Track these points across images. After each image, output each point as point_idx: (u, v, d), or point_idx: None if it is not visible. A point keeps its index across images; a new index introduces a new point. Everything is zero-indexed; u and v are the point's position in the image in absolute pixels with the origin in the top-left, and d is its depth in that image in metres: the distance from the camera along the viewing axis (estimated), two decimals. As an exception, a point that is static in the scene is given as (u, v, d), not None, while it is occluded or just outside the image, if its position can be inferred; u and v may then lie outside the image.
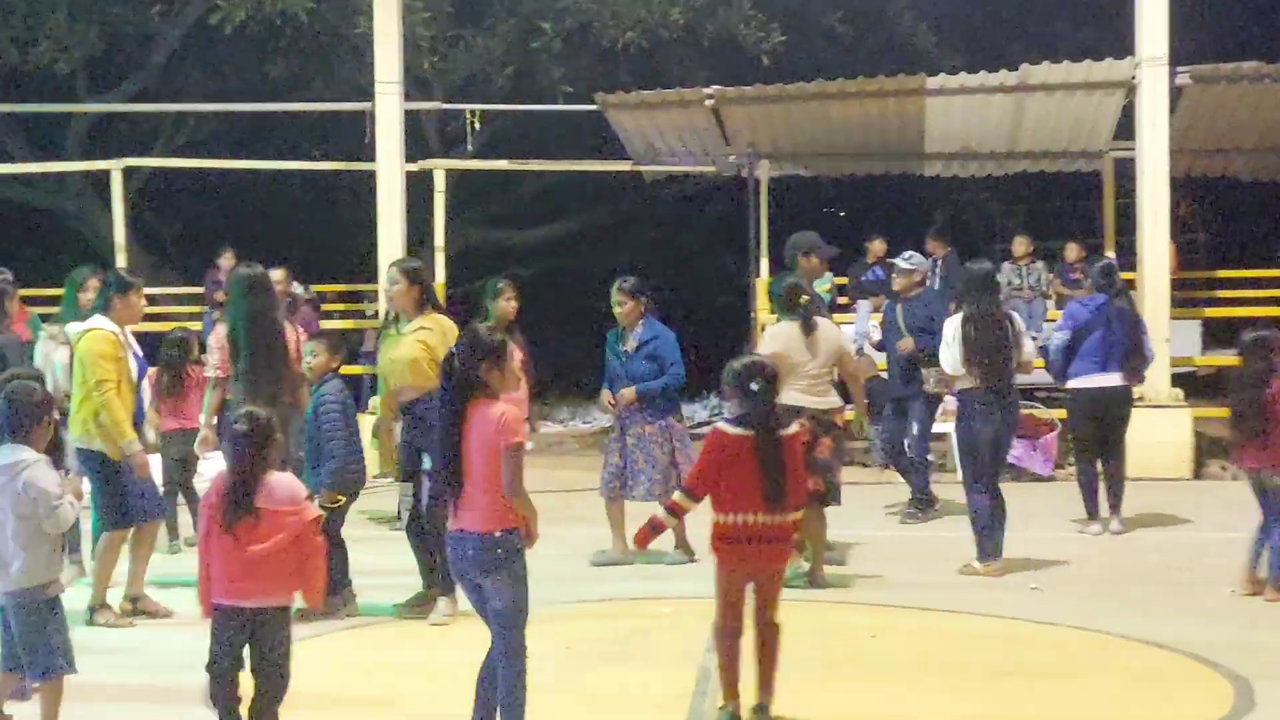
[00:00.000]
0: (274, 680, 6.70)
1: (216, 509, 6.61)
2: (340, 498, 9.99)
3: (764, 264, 20.15)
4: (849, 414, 12.25)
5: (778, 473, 7.33)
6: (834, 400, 11.25)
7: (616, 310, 12.00)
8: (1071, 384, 13.28)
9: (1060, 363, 13.26)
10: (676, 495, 7.68)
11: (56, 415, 7.75)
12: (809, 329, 11.13)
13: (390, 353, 10.15)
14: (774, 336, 11.32)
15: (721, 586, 7.51)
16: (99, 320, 10.16)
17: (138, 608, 10.26)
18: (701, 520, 12.85)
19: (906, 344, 13.74)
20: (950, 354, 11.53)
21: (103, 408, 9.86)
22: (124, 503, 10.06)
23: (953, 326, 11.55)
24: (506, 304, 12.22)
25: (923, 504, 13.98)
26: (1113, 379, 13.14)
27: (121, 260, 19.59)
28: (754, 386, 7.43)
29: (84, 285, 11.46)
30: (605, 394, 12.15)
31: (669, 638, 9.61)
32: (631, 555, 11.82)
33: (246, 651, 6.70)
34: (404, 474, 10.15)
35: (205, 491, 6.75)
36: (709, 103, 19.49)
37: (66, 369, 10.99)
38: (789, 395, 10.20)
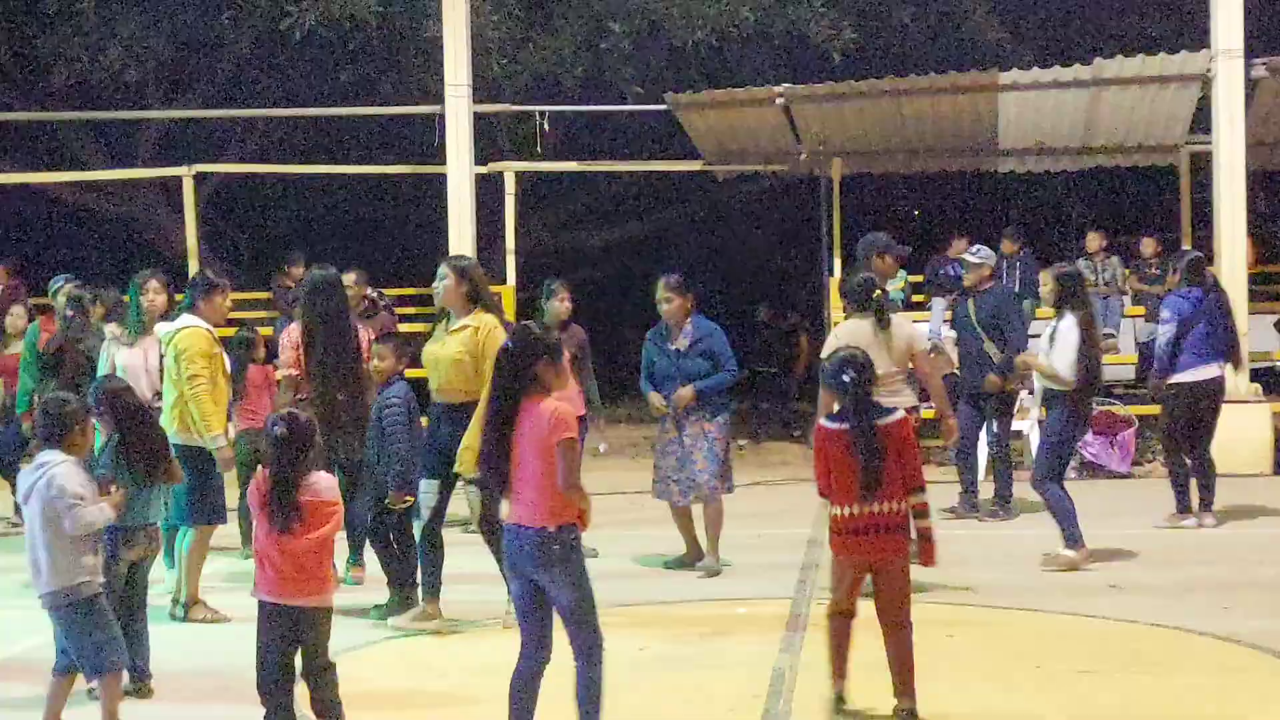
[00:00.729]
0: (330, 681, 6.85)
1: (264, 510, 6.71)
2: (409, 498, 9.89)
3: (836, 263, 20.02)
4: (925, 412, 12.10)
5: (874, 463, 7.38)
6: (908, 399, 10.97)
7: (663, 308, 11.67)
8: (1176, 378, 13.09)
9: (1168, 357, 13.08)
10: (822, 501, 7.75)
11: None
12: (881, 326, 10.91)
13: (434, 350, 9.92)
14: (843, 333, 10.99)
15: (835, 575, 7.71)
16: (189, 318, 10.29)
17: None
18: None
19: (993, 382, 13.57)
20: (1066, 358, 11.40)
21: (192, 401, 10.01)
22: (217, 500, 10.17)
23: (1071, 332, 11.42)
24: (560, 304, 12.45)
25: (970, 500, 13.88)
26: (1214, 371, 13.08)
27: (193, 266, 19.66)
28: (846, 379, 7.52)
29: (143, 288, 11.41)
30: (656, 396, 11.68)
31: (743, 638, 9.56)
32: (709, 558, 11.79)
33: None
34: (433, 474, 9.85)
35: (250, 490, 6.84)
36: (780, 101, 19.38)
37: (130, 369, 11.05)
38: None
